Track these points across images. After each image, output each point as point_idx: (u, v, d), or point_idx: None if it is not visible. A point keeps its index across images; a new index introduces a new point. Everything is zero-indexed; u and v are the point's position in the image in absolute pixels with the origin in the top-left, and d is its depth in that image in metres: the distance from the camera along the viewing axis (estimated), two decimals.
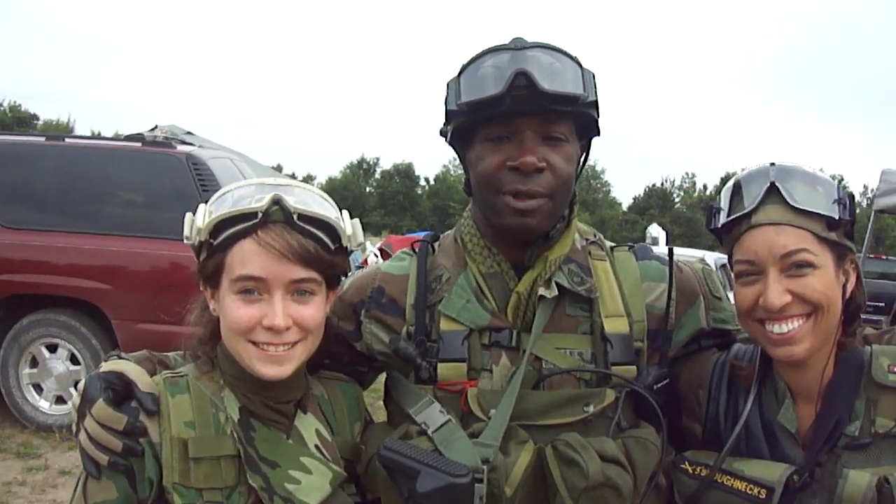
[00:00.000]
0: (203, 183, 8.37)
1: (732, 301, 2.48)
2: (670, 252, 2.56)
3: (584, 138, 2.46)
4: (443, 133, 2.47)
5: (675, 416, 2.51)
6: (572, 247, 2.49)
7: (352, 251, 2.33)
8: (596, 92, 2.37)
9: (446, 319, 2.40)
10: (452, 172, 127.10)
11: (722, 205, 2.39)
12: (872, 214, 12.39)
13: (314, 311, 2.22)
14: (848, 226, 2.30)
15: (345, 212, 2.30)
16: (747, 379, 2.43)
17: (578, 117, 2.35)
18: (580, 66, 2.35)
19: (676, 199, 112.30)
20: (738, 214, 2.31)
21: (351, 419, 2.47)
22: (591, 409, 2.32)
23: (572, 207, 2.50)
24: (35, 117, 69.46)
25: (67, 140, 9.44)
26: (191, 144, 9.80)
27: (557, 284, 2.38)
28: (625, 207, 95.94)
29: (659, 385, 2.42)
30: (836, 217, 2.25)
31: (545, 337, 2.37)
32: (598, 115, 2.40)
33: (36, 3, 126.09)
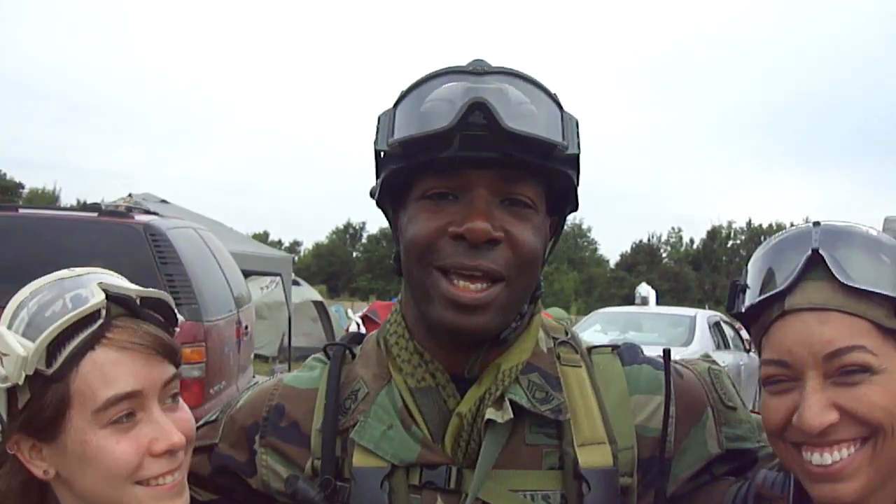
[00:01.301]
0: (161, 255, 7.83)
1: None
2: (666, 355, 1.91)
3: (557, 213, 1.88)
4: (371, 191, 1.88)
5: None
6: (535, 349, 1.87)
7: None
8: (579, 144, 1.77)
9: (361, 452, 1.79)
10: None
11: (749, 280, 1.76)
12: None
13: (188, 414, 1.73)
14: None
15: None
16: None
17: (551, 179, 1.77)
18: (559, 106, 1.77)
19: (664, 255, 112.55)
20: (767, 295, 1.68)
21: None
22: None
23: (536, 300, 1.89)
24: (20, 186, 69.09)
25: (21, 210, 8.93)
26: (155, 214, 9.39)
27: (513, 403, 1.77)
28: (612, 265, 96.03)
29: None
30: None
31: (497, 475, 1.76)
32: (578, 179, 1.81)
33: (21, 71, 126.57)
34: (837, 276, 1.60)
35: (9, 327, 1.63)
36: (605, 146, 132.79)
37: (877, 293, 1.58)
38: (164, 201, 17.18)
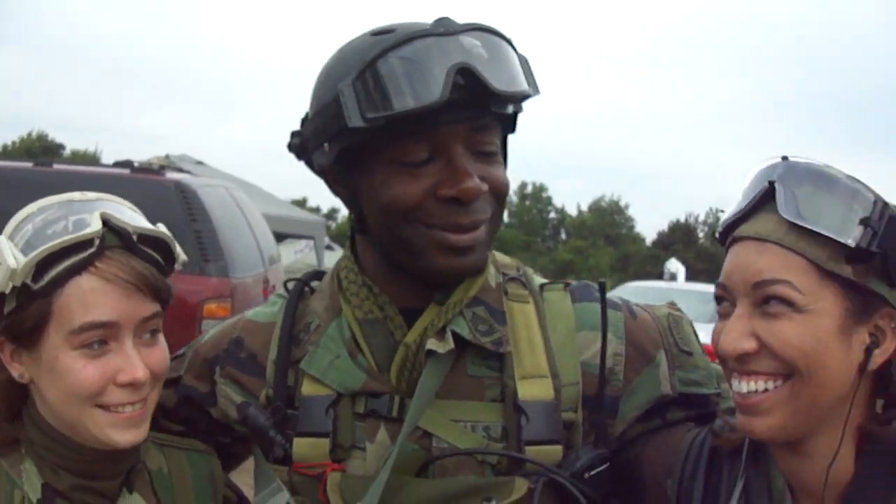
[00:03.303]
0: (191, 212, 7.95)
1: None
2: (601, 287, 1.95)
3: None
4: (295, 147, 1.88)
5: None
6: (484, 285, 1.90)
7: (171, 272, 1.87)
8: (536, 83, 1.81)
9: (310, 381, 1.85)
10: None
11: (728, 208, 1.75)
12: None
13: (163, 352, 1.81)
14: (885, 263, 1.54)
15: (160, 225, 1.84)
16: (731, 453, 1.77)
17: (505, 119, 1.84)
18: (516, 50, 1.80)
19: (701, 235, 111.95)
20: (727, 223, 1.70)
21: (200, 499, 1.96)
22: None
23: None
24: (62, 147, 69.16)
25: (56, 166, 9.05)
26: (187, 172, 9.48)
27: (455, 335, 1.81)
28: (649, 242, 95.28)
29: (594, 472, 1.81)
30: (854, 244, 1.52)
31: (439, 405, 1.81)
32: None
33: (63, 34, 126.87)
34: (780, 210, 1.58)
35: (10, 237, 1.71)
36: (647, 124, 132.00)
37: (820, 233, 1.54)
38: (200, 163, 17.35)
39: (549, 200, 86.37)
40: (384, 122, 1.67)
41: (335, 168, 1.85)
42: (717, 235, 1.75)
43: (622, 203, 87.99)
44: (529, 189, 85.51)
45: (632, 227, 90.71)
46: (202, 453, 2.01)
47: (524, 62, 1.80)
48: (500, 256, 2.02)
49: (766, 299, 1.57)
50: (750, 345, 1.57)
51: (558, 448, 1.81)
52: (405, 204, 1.73)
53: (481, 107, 1.71)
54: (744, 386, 1.60)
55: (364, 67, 1.69)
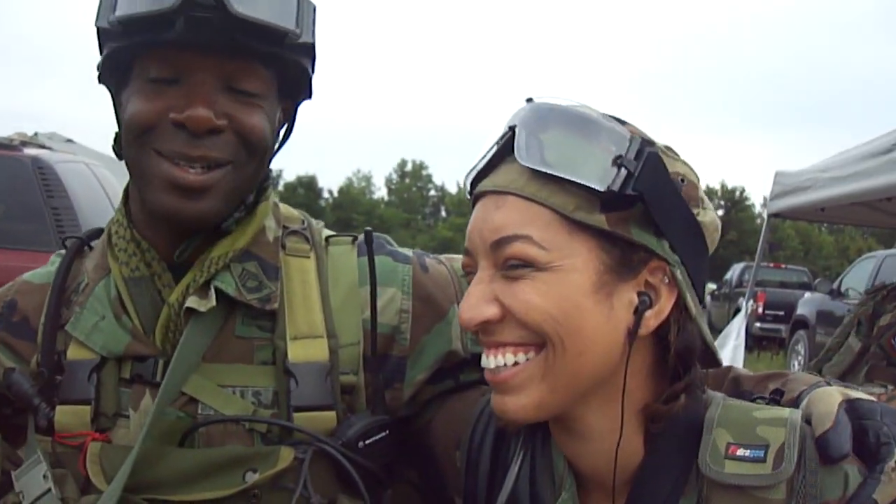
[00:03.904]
0: (48, 188, 7.60)
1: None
2: (367, 237, 1.78)
3: (291, 98, 1.77)
4: (98, 69, 1.72)
5: (434, 482, 1.77)
6: (257, 238, 1.74)
7: None
8: (314, 32, 1.66)
9: (75, 344, 1.68)
10: (356, 185, 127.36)
11: None
12: (766, 219, 10.44)
13: None
14: (646, 208, 1.31)
15: None
16: (517, 434, 1.56)
17: (283, 68, 1.66)
18: None
19: None
20: (472, 177, 1.44)
21: None
22: (256, 476, 1.58)
23: (264, 190, 1.77)
24: None
25: None
26: (48, 149, 9.18)
27: (219, 292, 1.66)
28: None
29: (369, 441, 1.66)
30: (606, 188, 1.28)
31: (206, 369, 1.65)
32: (314, 67, 1.71)
33: None
34: (518, 156, 1.34)
35: None
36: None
37: (563, 178, 1.30)
38: (70, 141, 16.85)
39: (429, 178, 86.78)
40: (120, 25, 1.55)
41: (103, 78, 1.71)
42: (469, 198, 1.50)
43: None
44: (409, 167, 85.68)
45: None
46: None
47: (303, 4, 1.64)
48: (287, 209, 1.86)
49: (507, 261, 1.32)
50: (491, 311, 1.33)
51: (331, 414, 1.67)
52: (140, 122, 1.58)
53: (227, 33, 1.54)
54: (492, 360, 1.35)
55: None
